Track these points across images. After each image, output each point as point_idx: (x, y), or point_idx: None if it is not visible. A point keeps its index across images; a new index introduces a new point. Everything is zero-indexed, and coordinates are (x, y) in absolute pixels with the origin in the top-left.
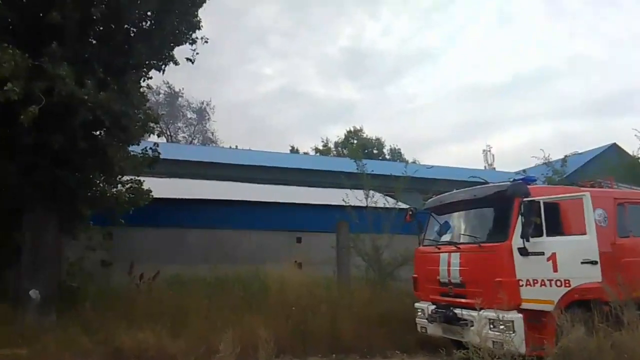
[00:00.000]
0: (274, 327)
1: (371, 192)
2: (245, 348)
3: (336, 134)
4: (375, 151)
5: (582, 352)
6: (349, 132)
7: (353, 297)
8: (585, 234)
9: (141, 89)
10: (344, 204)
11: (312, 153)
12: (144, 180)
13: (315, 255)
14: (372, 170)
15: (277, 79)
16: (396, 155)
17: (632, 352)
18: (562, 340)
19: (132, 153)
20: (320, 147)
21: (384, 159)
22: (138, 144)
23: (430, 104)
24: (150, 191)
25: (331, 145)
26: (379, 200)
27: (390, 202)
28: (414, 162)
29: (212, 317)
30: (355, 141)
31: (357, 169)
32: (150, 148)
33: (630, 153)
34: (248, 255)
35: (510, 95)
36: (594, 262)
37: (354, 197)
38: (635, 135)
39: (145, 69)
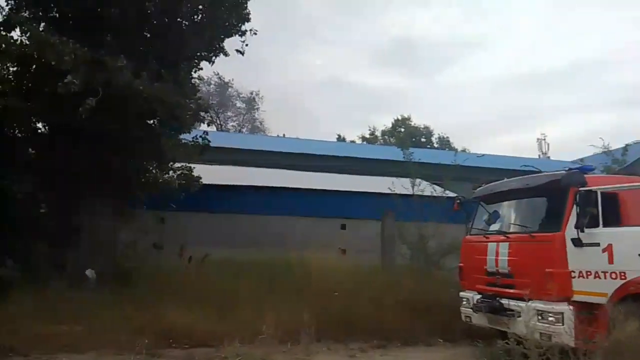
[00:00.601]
0: (317, 312)
1: (418, 180)
2: (288, 331)
3: (384, 123)
4: (423, 139)
5: (635, 347)
6: (397, 120)
7: (397, 284)
8: None
9: (193, 80)
10: (390, 192)
11: (358, 142)
12: (194, 167)
13: (360, 243)
14: (420, 159)
15: (327, 69)
16: (445, 143)
17: None
18: (615, 333)
19: (183, 141)
20: (367, 136)
21: (432, 147)
22: (189, 132)
23: (482, 93)
24: (200, 177)
25: (378, 134)
26: (426, 188)
27: (437, 191)
28: (463, 151)
29: (259, 301)
30: (402, 129)
31: (404, 157)
32: (200, 136)
33: None
34: (295, 241)
35: (567, 84)
36: None
37: (400, 186)
38: None
39: (196, 61)
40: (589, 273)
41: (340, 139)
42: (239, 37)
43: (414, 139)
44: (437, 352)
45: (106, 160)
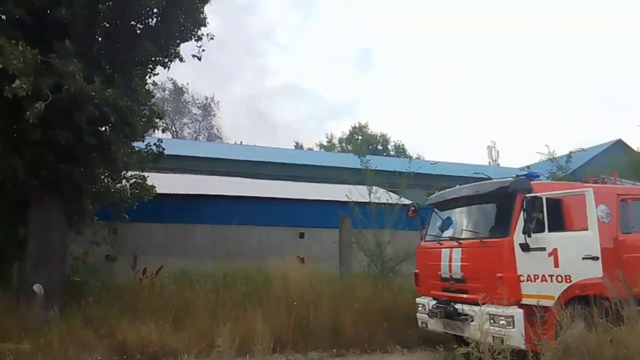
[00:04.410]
0: (276, 322)
1: (374, 187)
2: (245, 342)
3: (342, 130)
4: (380, 147)
5: (581, 348)
6: (354, 128)
7: (355, 292)
8: (587, 229)
9: (147, 85)
10: (347, 199)
11: (316, 149)
12: (148, 176)
13: (318, 251)
14: (376, 166)
15: (284, 75)
16: (400, 151)
17: (631, 348)
18: (562, 335)
19: (136, 148)
20: (325, 143)
21: (389, 155)
22: (143, 140)
23: (438, 101)
24: (154, 186)
25: (335, 141)
26: (382, 196)
27: (393, 198)
28: (417, 158)
29: (215, 312)
30: (359, 137)
31: (361, 164)
32: (154, 144)
33: (636, 149)
34: (252, 251)
35: (520, 94)
36: (595, 258)
37: (357, 193)
38: None
39: (151, 65)
40: (536, 277)
41: (298, 146)
42: (195, 42)
43: (371, 147)
44: (395, 358)
45: (55, 169)
